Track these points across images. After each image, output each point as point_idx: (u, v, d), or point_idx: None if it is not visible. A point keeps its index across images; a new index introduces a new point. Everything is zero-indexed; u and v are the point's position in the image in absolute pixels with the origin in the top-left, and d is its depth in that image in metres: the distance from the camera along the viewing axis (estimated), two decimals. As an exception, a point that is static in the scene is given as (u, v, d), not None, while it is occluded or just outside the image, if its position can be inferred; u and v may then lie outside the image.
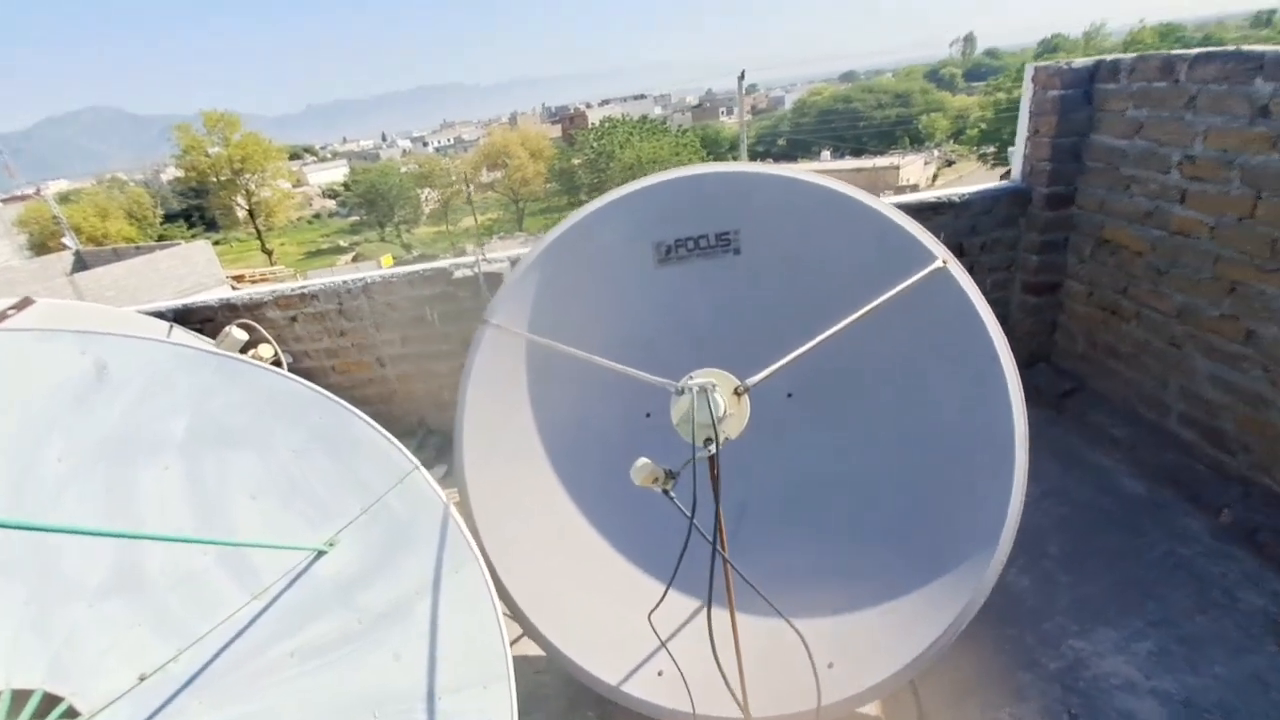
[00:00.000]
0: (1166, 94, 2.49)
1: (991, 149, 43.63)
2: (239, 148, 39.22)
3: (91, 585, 1.74)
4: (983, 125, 46.35)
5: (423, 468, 2.00)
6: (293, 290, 3.59)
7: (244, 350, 3.25)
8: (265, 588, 1.80)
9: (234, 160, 39.02)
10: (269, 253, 39.51)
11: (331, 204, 64.74)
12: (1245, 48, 2.15)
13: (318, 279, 3.70)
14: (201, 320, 3.61)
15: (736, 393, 1.58)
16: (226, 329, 2.98)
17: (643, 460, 1.51)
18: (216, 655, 1.74)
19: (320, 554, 1.86)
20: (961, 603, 1.81)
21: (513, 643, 2.29)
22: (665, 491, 1.51)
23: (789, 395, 2.23)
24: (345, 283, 3.54)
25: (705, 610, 2.09)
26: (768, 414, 2.27)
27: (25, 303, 2.73)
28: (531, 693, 2.18)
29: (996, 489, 1.87)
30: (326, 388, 3.80)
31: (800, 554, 2.08)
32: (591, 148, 37.50)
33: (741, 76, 22.19)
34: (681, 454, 1.67)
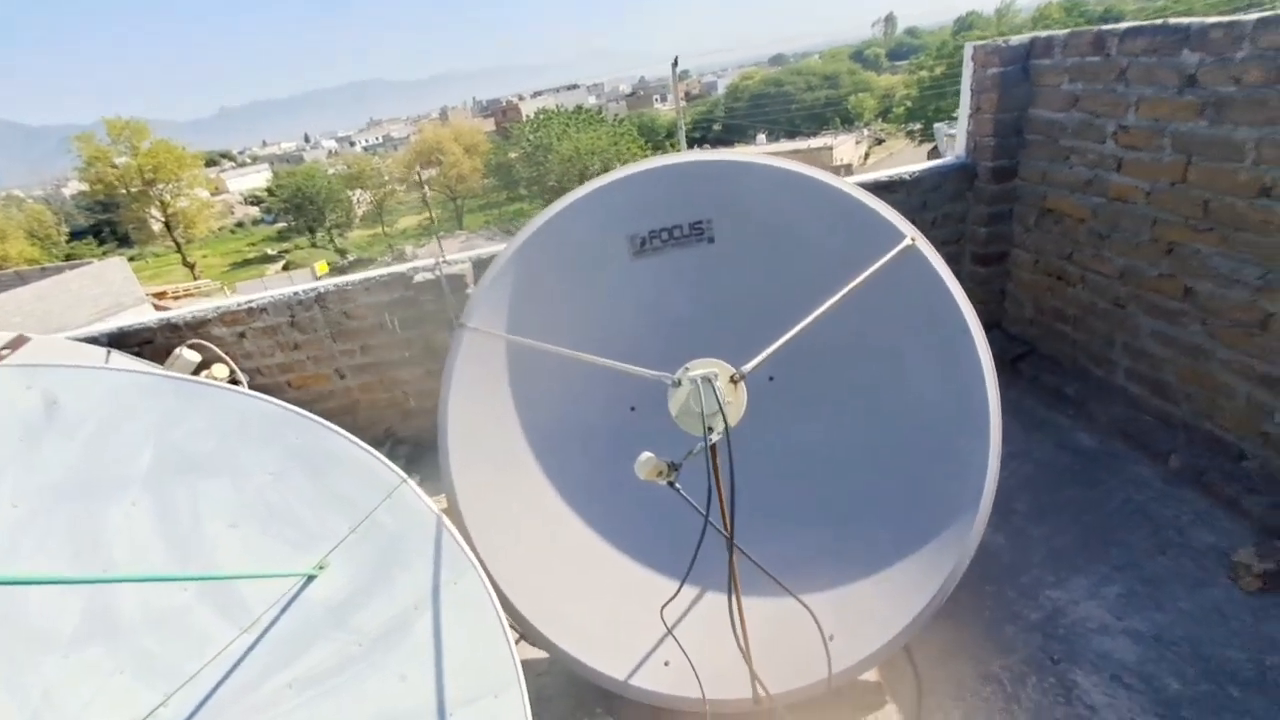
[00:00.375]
0: (1099, 68, 2.62)
1: (918, 126, 45.17)
2: (149, 156, 36.78)
3: (65, 635, 1.63)
4: (908, 104, 47.90)
5: (410, 480, 1.95)
6: (239, 305, 3.41)
7: (197, 372, 3.07)
8: (255, 619, 1.73)
9: (145, 170, 36.59)
10: (191, 266, 37.34)
11: (255, 211, 61.70)
12: (1172, 20, 2.29)
13: (266, 291, 3.53)
14: (140, 343, 3.39)
15: (733, 380, 1.60)
16: (177, 351, 2.81)
17: (646, 455, 1.50)
18: (209, 695, 1.65)
19: (310, 578, 1.79)
20: (948, 567, 1.89)
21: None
22: (671, 484, 1.52)
23: (770, 379, 2.27)
24: (296, 294, 3.39)
25: (703, 598, 2.12)
26: (754, 400, 2.31)
27: (19, 341, 2.51)
28: (536, 696, 2.15)
29: (974, 455, 1.95)
30: (285, 404, 3.64)
31: (793, 535, 2.13)
32: (528, 140, 36.89)
33: (675, 64, 22.21)
34: (670, 445, 1.68)
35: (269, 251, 44.50)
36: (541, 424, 2.23)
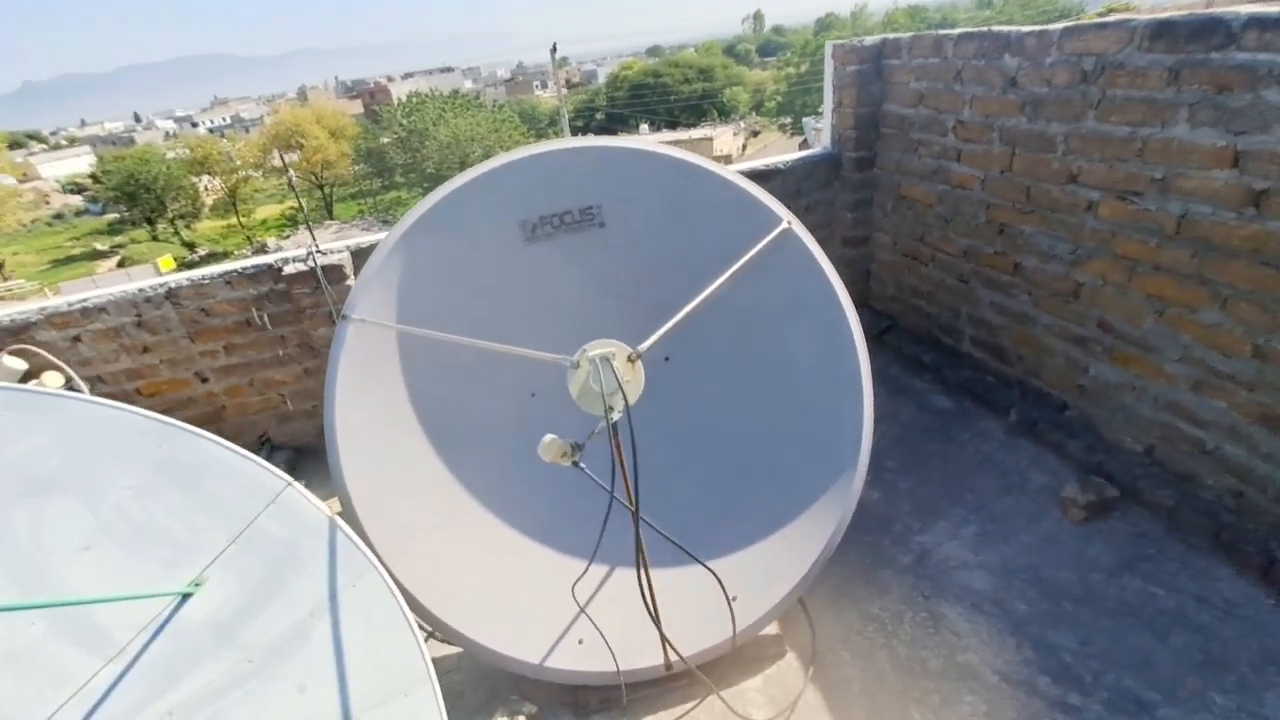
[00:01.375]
0: (939, 69, 2.93)
1: (788, 120, 47.68)
2: (-69, 136, 30.95)
3: (-124, 693, 1.39)
4: (779, 98, 50.42)
5: (296, 483, 1.84)
6: (70, 305, 3.01)
7: (24, 381, 2.68)
8: (121, 648, 1.56)
9: (-75, 152, 30.77)
10: (-2, 265, 32.05)
11: (78, 200, 53.85)
12: (995, 28, 2.60)
13: (107, 289, 3.13)
14: (-56, 353, 2.90)
15: (630, 360, 1.64)
16: (-5, 359, 2.43)
17: (550, 437, 1.52)
18: (70, 737, 1.48)
19: (185, 597, 1.65)
20: (834, 521, 2.07)
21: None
22: (576, 464, 1.55)
23: (666, 359, 2.35)
24: (143, 290, 3.04)
25: (613, 574, 2.17)
26: (651, 378, 2.38)
27: None
28: (448, 692, 2.10)
29: (851, 417, 2.14)
30: (136, 415, 3.26)
31: (694, 504, 2.22)
32: (401, 125, 34.89)
33: (554, 50, 21.92)
34: (572, 428, 1.71)
35: (99, 246, 39.08)
36: (438, 416, 2.17)
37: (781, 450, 2.22)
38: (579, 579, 1.83)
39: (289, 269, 3.02)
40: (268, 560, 1.73)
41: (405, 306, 2.08)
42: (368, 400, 2.04)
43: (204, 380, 3.30)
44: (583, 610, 1.92)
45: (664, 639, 1.96)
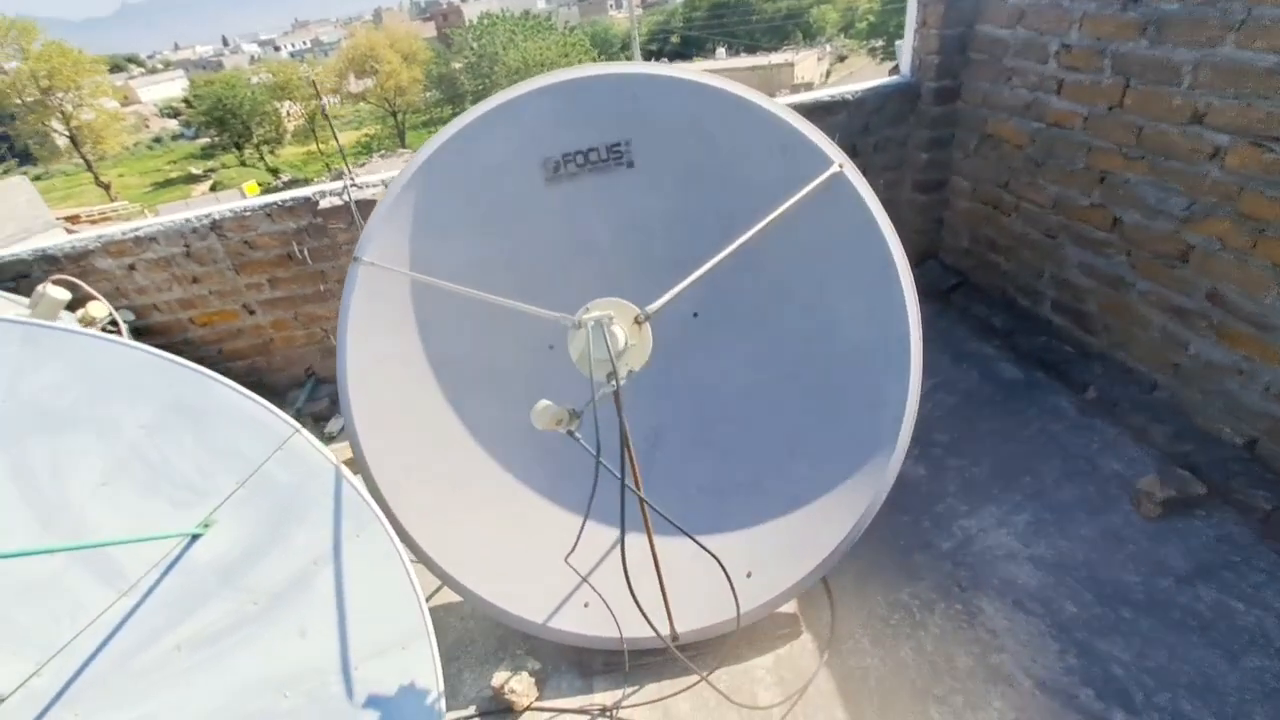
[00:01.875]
0: (1047, -20, 2.47)
1: (880, 43, 43.93)
2: (42, 60, 32.86)
3: (-96, 613, 1.49)
4: (871, 18, 46.33)
5: (304, 430, 1.82)
6: (125, 234, 3.08)
7: (71, 308, 2.79)
8: (133, 583, 1.61)
9: (39, 76, 32.79)
10: (105, 187, 34.30)
11: (174, 124, 56.59)
12: (1122, -71, 2.14)
13: (157, 219, 3.19)
14: (15, 277, 3.06)
15: (637, 321, 1.49)
16: (40, 289, 2.52)
17: (543, 403, 1.41)
18: (88, 662, 1.55)
19: (195, 538, 1.68)
20: (864, 503, 1.90)
21: (430, 596, 2.22)
22: (570, 433, 1.43)
23: (694, 315, 2.18)
24: (189, 221, 3.08)
25: (618, 537, 2.09)
26: (676, 336, 2.23)
27: None
28: (459, 639, 2.14)
29: (895, 390, 1.92)
30: (186, 344, 3.40)
31: (715, 471, 2.10)
32: (471, 49, 34.32)
33: (627, -35, 20.65)
34: (588, 386, 1.59)
35: (193, 170, 41.20)
36: (452, 365, 2.10)
37: (815, 420, 2.04)
38: (570, 552, 1.75)
39: (324, 203, 2.98)
40: (274, 506, 1.74)
41: (419, 249, 1.98)
42: (379, 347, 1.99)
43: (251, 312, 3.37)
44: (585, 580, 1.86)
45: (668, 612, 1.89)
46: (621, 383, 1.42)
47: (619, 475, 1.45)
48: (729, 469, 2.10)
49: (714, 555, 1.62)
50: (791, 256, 2.03)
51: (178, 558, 1.65)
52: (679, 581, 1.94)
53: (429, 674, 1.67)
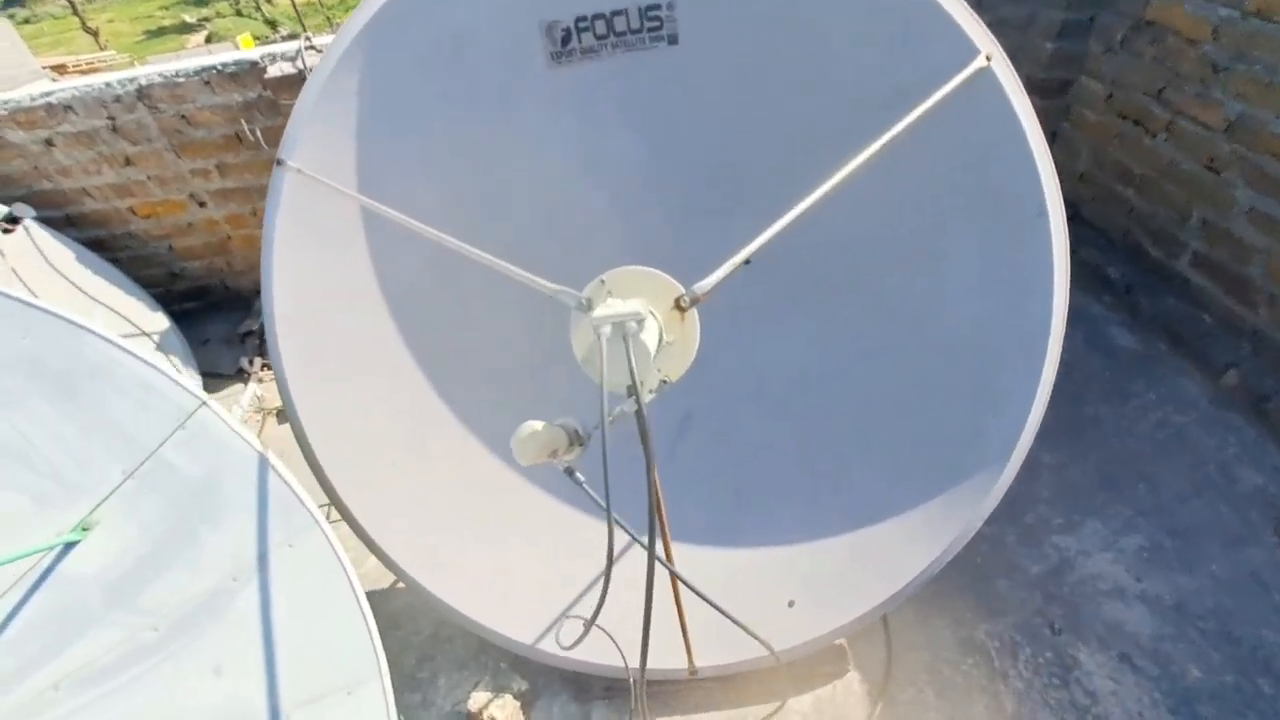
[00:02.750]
0: None
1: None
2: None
3: None
4: None
5: (214, 403, 1.35)
6: (35, 100, 2.47)
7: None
8: (-15, 606, 1.21)
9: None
10: (93, 33, 31.84)
11: (166, -38, 51.85)
12: None
13: (71, 82, 2.56)
14: (-94, 148, 2.50)
15: (679, 307, 0.97)
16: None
17: (528, 427, 0.92)
18: (-70, 704, 1.19)
19: (69, 546, 1.26)
20: (954, 530, 1.45)
21: (394, 584, 1.86)
22: (569, 472, 0.96)
23: (747, 262, 1.63)
24: (110, 86, 2.45)
25: (634, 548, 1.69)
26: (725, 295, 1.70)
27: None
28: (434, 635, 1.80)
29: (1016, 387, 1.42)
30: (130, 237, 2.86)
31: (756, 472, 1.65)
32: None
33: None
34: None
35: (187, 19, 38.20)
36: (418, 315, 1.59)
37: (902, 423, 1.55)
38: (597, 612, 1.33)
39: (273, 70, 2.33)
40: (177, 504, 1.31)
41: (367, 152, 1.42)
42: (318, 281, 1.48)
43: (201, 204, 2.82)
44: (598, 615, 1.46)
45: (687, 644, 1.51)
46: (648, 400, 0.93)
47: (646, 545, 0.99)
48: (775, 471, 1.64)
49: (751, 633, 1.20)
50: (886, 194, 1.45)
51: (47, 571, 1.25)
52: (702, 606, 1.55)
53: (380, 727, 1.31)
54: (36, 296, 2.01)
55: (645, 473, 0.96)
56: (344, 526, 1.51)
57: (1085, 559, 1.74)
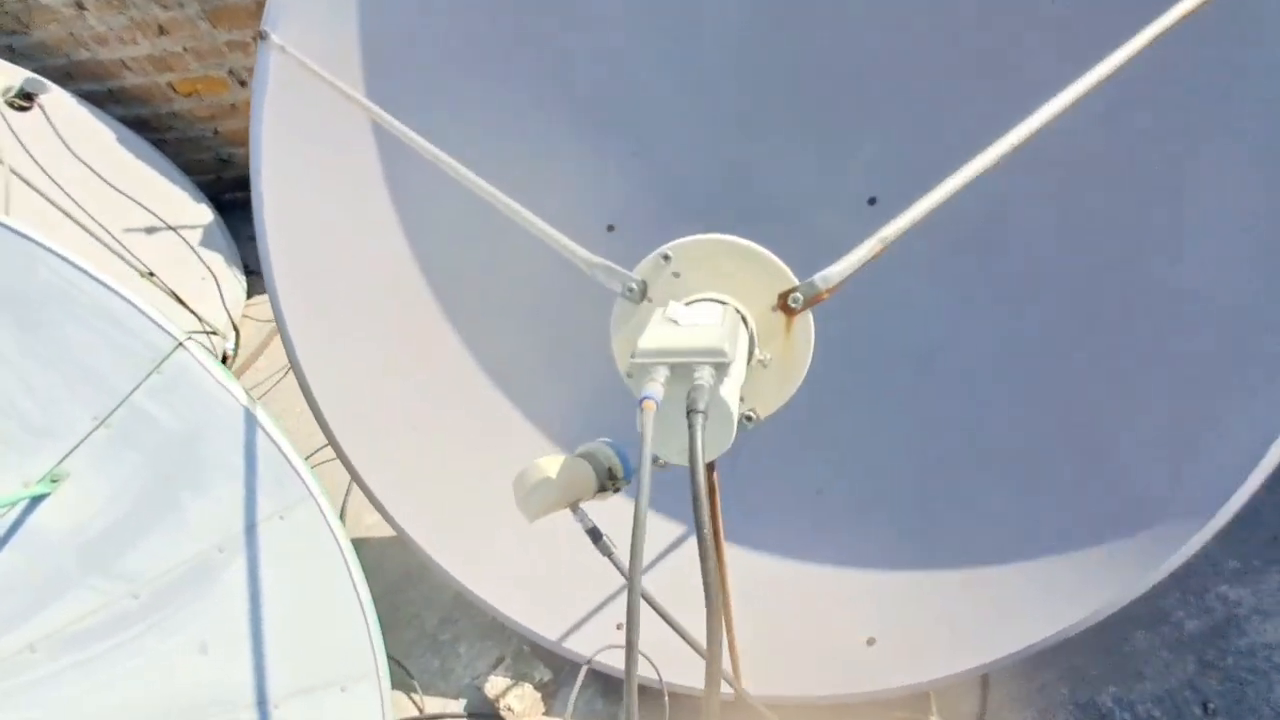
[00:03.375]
0: None
1: None
2: None
3: None
4: None
5: (192, 345, 1.13)
6: (58, -48, 2.21)
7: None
8: (-53, 559, 1.09)
9: None
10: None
11: None
12: None
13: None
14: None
15: (785, 307, 0.61)
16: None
17: (536, 470, 0.63)
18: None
19: (39, 498, 1.11)
20: (1104, 593, 1.09)
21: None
22: (594, 535, 0.67)
23: (871, 201, 1.21)
24: (132, -64, 2.14)
25: (686, 542, 1.42)
26: (826, 228, 1.31)
27: None
28: (457, 599, 1.65)
29: (1251, 410, 1.00)
30: (174, 117, 2.65)
31: (852, 473, 1.32)
32: None
33: None
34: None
35: None
36: (443, 240, 1.30)
37: (1061, 430, 1.17)
38: (603, 605, 1.09)
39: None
40: (153, 460, 1.13)
41: (371, 25, 1.07)
42: (319, 186, 1.20)
43: (242, 83, 2.55)
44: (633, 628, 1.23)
45: (736, 669, 1.27)
46: (690, 463, 0.60)
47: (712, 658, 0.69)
48: (874, 477, 1.30)
49: (707, 660, 0.92)
50: (1102, 126, 0.98)
51: (15, 525, 1.10)
52: (758, 622, 1.29)
53: (375, 730, 1.15)
54: (51, 184, 1.82)
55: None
56: (335, 471, 1.32)
57: (1262, 621, 1.35)
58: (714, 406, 0.44)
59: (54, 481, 1.11)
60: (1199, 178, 0.98)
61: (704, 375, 0.45)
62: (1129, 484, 1.10)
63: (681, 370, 0.47)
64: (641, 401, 0.43)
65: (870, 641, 1.25)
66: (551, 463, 0.63)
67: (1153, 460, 1.09)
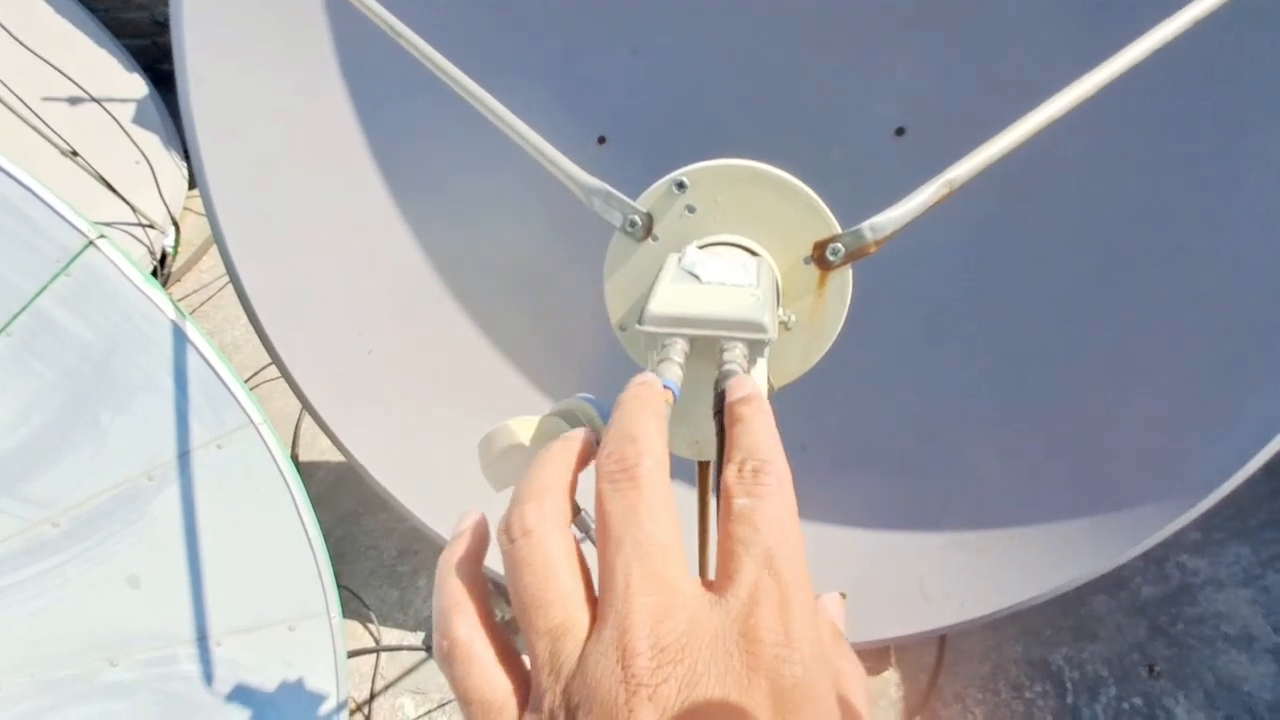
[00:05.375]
0: None
1: None
2: None
3: None
4: None
5: (110, 243, 0.97)
6: None
7: None
8: None
9: None
10: None
11: None
12: None
13: None
14: None
15: (820, 260, 0.51)
16: None
17: (505, 432, 0.52)
18: None
19: (-70, 411, 0.97)
20: (1081, 565, 1.07)
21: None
22: (584, 531, 0.58)
23: (899, 132, 1.08)
24: None
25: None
26: (845, 157, 1.18)
27: None
28: (420, 529, 1.58)
29: (1261, 401, 0.96)
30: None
31: (843, 423, 1.25)
32: None
33: None
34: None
35: None
36: (403, 146, 1.13)
37: (1067, 396, 1.11)
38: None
39: None
40: (67, 375, 0.99)
41: None
42: (262, 66, 1.02)
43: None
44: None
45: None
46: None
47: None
48: (864, 429, 1.24)
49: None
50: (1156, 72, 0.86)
51: (-95, 441, 0.97)
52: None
53: (326, 671, 1.10)
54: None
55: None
56: (279, 391, 1.21)
57: (1215, 591, 1.38)
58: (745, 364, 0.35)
59: (-52, 393, 0.97)
60: (1249, 150, 0.89)
61: (736, 356, 0.35)
62: (1121, 459, 1.06)
63: (704, 344, 0.37)
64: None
65: (842, 595, 1.24)
66: (524, 425, 0.53)
67: (1148, 438, 1.04)
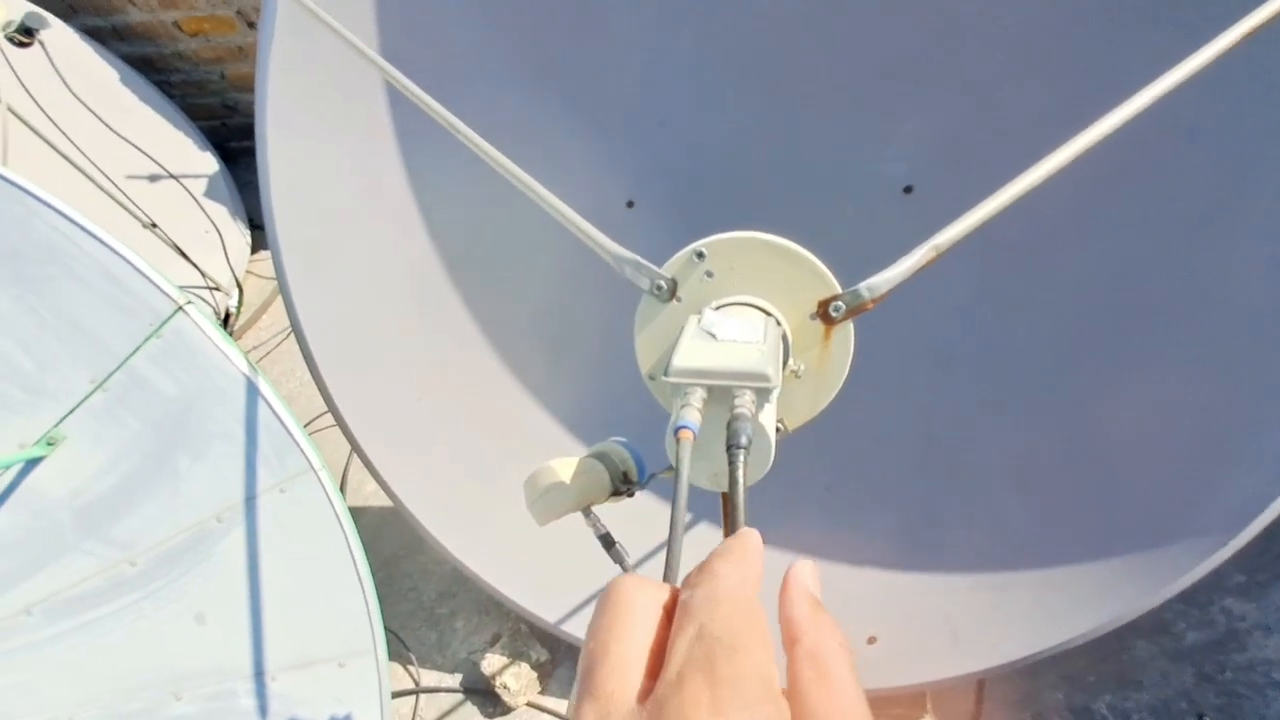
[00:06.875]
0: None
1: None
2: None
3: None
4: None
5: (194, 309, 1.09)
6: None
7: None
8: (-58, 518, 1.07)
9: None
10: None
11: None
12: None
13: None
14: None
15: (825, 316, 0.57)
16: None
17: (548, 472, 0.60)
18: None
19: (35, 460, 1.09)
20: (1115, 606, 1.08)
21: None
22: (606, 542, 0.65)
23: (907, 190, 1.16)
24: None
25: (699, 524, 1.41)
26: (879, 223, 1.25)
27: None
28: (455, 573, 1.64)
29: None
30: (178, 58, 2.57)
31: (865, 465, 1.29)
32: None
33: None
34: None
35: None
36: (450, 215, 1.25)
37: (1094, 437, 1.14)
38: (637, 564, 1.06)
39: None
40: (152, 426, 1.10)
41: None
42: (327, 143, 1.15)
43: (250, 24, 2.45)
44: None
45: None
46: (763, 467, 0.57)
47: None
48: (887, 470, 1.28)
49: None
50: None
51: (11, 488, 1.08)
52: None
53: (372, 708, 1.15)
54: (51, 126, 1.76)
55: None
56: (336, 437, 1.30)
57: (1264, 637, 1.34)
58: (755, 436, 0.41)
59: (50, 444, 1.08)
60: (1259, 185, 0.94)
61: (745, 402, 0.41)
62: (1149, 498, 1.07)
63: (720, 392, 0.44)
64: (677, 431, 0.40)
65: (871, 640, 1.24)
66: (565, 465, 0.60)
67: (1176, 476, 1.06)
